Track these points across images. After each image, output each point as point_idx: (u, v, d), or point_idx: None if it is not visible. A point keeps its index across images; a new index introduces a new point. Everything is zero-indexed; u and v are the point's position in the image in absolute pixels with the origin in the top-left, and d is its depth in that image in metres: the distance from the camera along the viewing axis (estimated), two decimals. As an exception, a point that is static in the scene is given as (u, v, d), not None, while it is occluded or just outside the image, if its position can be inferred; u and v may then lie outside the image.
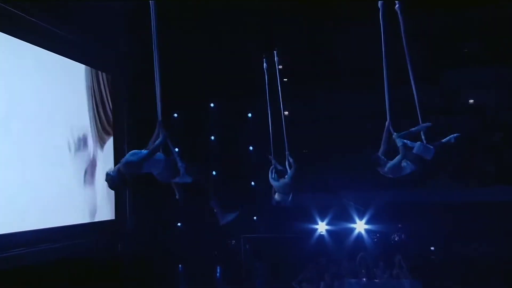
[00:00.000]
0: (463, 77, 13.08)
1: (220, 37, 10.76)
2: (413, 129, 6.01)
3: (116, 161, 9.58)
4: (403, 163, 5.74)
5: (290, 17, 10.66)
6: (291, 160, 7.75)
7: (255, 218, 12.56)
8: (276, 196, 7.64)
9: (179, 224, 12.34)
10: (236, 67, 11.63)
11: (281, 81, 13.09)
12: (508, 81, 12.82)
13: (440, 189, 12.34)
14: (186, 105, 12.67)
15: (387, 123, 5.84)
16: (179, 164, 5.02)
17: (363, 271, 9.56)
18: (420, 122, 6.02)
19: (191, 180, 5.09)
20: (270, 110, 8.81)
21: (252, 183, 12.86)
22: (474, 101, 13.46)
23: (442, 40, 12.23)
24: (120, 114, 10.03)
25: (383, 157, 5.77)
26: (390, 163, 5.71)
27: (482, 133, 13.02)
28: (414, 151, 5.71)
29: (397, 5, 5.77)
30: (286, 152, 7.93)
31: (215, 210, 5.43)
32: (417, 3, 9.03)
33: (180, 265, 11.88)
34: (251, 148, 13.12)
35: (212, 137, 13.27)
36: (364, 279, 9.35)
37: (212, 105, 13.29)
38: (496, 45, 12.15)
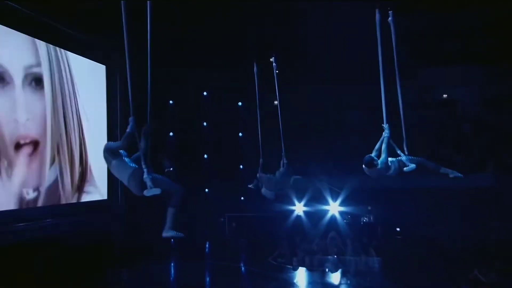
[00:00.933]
0: (438, 74, 13.33)
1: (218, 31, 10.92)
2: (442, 169, 6.59)
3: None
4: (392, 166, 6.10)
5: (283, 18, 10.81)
6: (285, 161, 8.23)
7: (242, 198, 12.96)
8: (263, 190, 8.02)
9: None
10: (231, 58, 11.83)
11: (274, 74, 13.45)
12: (478, 78, 13.08)
13: (411, 175, 12.63)
14: (181, 93, 13.03)
15: (386, 135, 6.09)
16: (145, 175, 4.65)
17: (333, 248, 9.88)
18: (402, 118, 6.40)
19: (160, 191, 4.69)
20: (259, 107, 9.03)
21: (241, 166, 13.23)
22: (447, 96, 13.72)
23: (419, 40, 12.39)
24: (113, 101, 10.29)
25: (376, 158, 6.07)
26: (381, 161, 6.02)
27: (452, 125, 13.32)
28: (406, 169, 6.16)
29: (390, 18, 6.06)
30: (282, 153, 8.35)
31: (167, 218, 5.01)
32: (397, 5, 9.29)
33: (172, 240, 12.29)
34: (240, 134, 13.47)
35: (205, 123, 13.62)
36: (334, 256, 9.62)
37: (205, 93, 13.62)
38: (468, 45, 12.32)
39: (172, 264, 10.62)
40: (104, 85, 10.13)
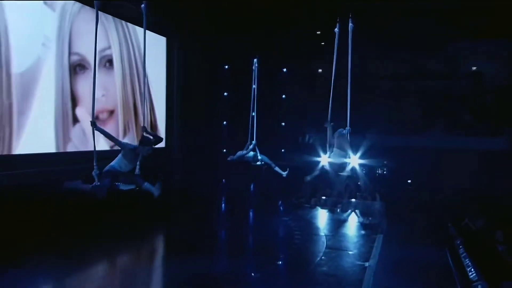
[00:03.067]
0: (468, 47, 13.31)
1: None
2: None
3: (167, 109, 11.20)
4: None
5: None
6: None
7: (283, 150, 14.05)
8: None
9: (224, 150, 14.11)
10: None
11: (319, 45, 14.11)
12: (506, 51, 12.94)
13: (434, 137, 13.06)
14: (234, 60, 14.13)
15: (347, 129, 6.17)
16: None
17: (346, 193, 10.75)
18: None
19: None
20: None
21: (283, 123, 14.25)
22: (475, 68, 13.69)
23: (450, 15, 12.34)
24: (172, 71, 11.19)
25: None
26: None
27: (476, 94, 13.38)
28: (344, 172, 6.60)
29: (343, 28, 6.16)
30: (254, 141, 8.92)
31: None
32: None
33: (223, 180, 13.70)
34: (283, 96, 14.42)
35: (254, 86, 14.66)
36: (347, 199, 10.53)
37: (255, 60, 14.59)
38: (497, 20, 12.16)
39: (223, 200, 11.95)
40: (164, 56, 10.94)
